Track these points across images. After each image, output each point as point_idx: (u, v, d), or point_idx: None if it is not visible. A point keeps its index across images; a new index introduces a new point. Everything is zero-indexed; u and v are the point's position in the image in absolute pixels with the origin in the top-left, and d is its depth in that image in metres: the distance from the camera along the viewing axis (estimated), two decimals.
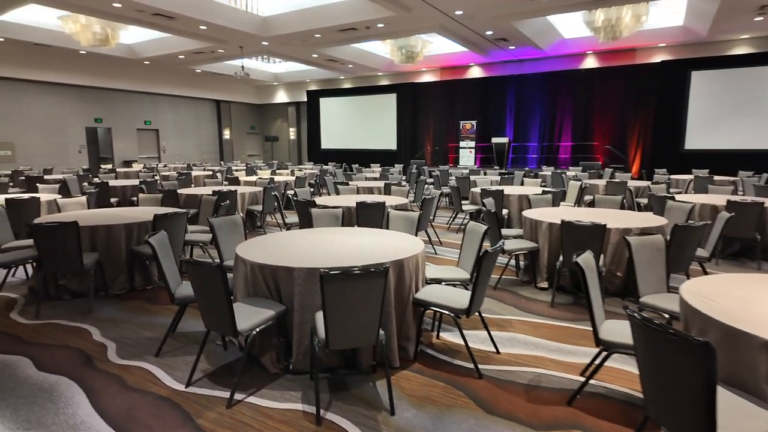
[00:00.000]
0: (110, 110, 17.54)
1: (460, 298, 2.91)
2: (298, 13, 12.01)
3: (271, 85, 22.29)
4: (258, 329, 2.60)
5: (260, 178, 9.06)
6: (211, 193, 6.59)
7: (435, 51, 15.44)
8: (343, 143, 20.25)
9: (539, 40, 13.37)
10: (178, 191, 6.82)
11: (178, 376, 2.84)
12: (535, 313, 3.87)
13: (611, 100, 14.65)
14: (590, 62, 14.88)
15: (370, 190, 8.20)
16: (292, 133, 22.66)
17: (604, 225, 3.78)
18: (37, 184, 7.35)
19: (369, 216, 5.20)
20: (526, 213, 4.79)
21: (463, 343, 3.23)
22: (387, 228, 4.42)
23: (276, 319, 2.75)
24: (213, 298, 2.53)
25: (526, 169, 13.76)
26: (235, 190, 6.87)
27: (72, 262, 3.88)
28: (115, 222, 4.39)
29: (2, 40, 13.20)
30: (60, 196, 6.61)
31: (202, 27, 11.90)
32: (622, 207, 5.86)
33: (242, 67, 14.97)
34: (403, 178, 9.92)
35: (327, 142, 20.82)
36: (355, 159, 19.02)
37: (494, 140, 14.13)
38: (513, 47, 14.26)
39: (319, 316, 2.60)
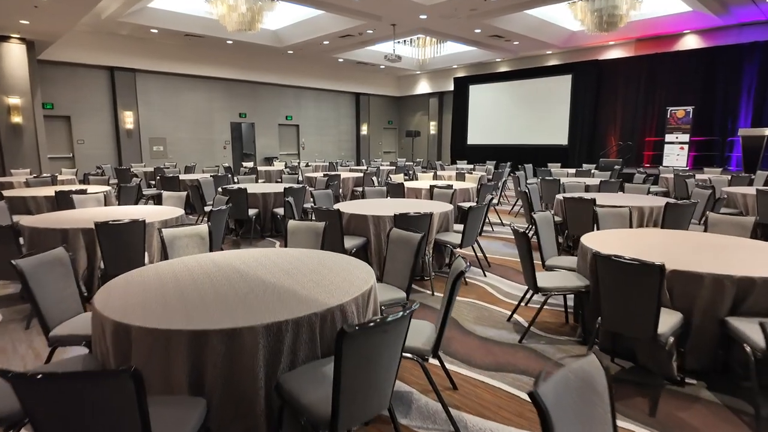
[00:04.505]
0: (254, 105, 16.46)
1: None
2: None
3: (413, 75, 19.74)
4: None
5: (437, 187, 6.26)
6: (392, 216, 3.92)
7: (633, 17, 11.32)
8: (494, 138, 16.87)
9: None
10: (341, 210, 4.28)
11: None
12: None
13: None
14: None
15: (633, 214, 4.85)
16: (433, 127, 19.90)
17: None
18: (163, 192, 5.41)
19: None
20: None
21: None
22: None
23: None
24: None
25: None
26: (430, 214, 4.09)
27: None
28: (248, 322, 1.80)
29: (156, 31, 12.37)
30: (182, 212, 4.48)
31: None
32: None
33: (393, 49, 12.48)
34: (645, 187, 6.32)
35: (474, 137, 17.63)
36: (510, 156, 15.53)
37: (742, 132, 9.67)
38: None
39: None
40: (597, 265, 2.50)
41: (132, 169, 9.71)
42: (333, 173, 8.23)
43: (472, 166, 11.94)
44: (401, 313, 1.60)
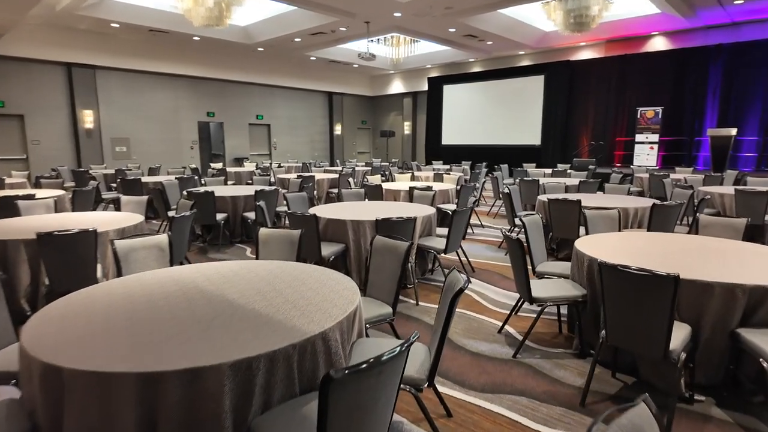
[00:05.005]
0: (223, 104, 15.86)
1: None
2: None
3: (387, 74, 19.50)
4: None
5: (417, 189, 6.01)
6: (372, 221, 3.64)
7: (603, 18, 11.36)
8: (469, 138, 16.82)
9: None
10: (317, 214, 3.96)
11: None
12: None
13: None
14: None
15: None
16: (407, 127, 19.71)
17: None
18: (121, 197, 4.96)
19: None
20: None
21: None
22: None
23: None
24: None
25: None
26: (414, 218, 3.83)
27: None
28: (211, 359, 1.49)
29: (117, 25, 11.69)
30: (141, 219, 4.07)
31: None
32: None
33: (367, 47, 12.19)
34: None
35: (449, 137, 17.54)
36: (484, 157, 15.48)
37: (710, 132, 9.83)
38: (740, 1, 9.81)
39: None
40: (602, 276, 2.29)
41: (91, 171, 9.07)
42: (307, 174, 7.88)
43: (448, 167, 11.78)
44: (398, 349, 1.32)
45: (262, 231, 3.09)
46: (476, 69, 16.42)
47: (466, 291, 4.19)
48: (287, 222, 4.02)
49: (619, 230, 4.10)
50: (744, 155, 11.48)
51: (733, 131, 9.53)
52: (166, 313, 1.88)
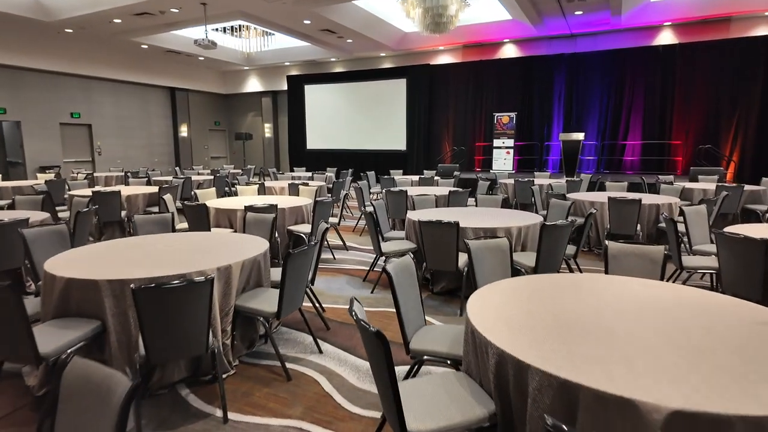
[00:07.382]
0: (18, 98, 12.12)
1: None
2: None
3: (241, 70, 17.25)
4: None
5: (253, 209, 4.40)
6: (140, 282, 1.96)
7: (460, 22, 11.04)
8: (335, 143, 15.57)
9: (624, 1, 9.33)
10: (50, 270, 2.14)
11: None
12: None
13: (700, 87, 10.82)
14: (666, 37, 11.02)
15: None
16: (268, 130, 17.72)
17: None
18: None
19: None
20: None
21: None
22: None
23: None
24: None
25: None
26: (211, 279, 2.25)
27: None
28: None
29: None
30: None
31: None
32: None
33: (206, 33, 10.06)
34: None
35: (314, 141, 16.07)
36: (351, 163, 14.42)
37: (562, 137, 9.97)
38: (580, 12, 10.17)
39: None
40: None
41: None
42: (107, 190, 5.68)
43: (310, 174, 10.30)
44: None
45: None
46: (338, 69, 15.23)
47: (312, 376, 2.74)
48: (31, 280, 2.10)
49: (511, 260, 3.07)
50: (586, 158, 12.15)
51: (581, 136, 9.79)
52: None
